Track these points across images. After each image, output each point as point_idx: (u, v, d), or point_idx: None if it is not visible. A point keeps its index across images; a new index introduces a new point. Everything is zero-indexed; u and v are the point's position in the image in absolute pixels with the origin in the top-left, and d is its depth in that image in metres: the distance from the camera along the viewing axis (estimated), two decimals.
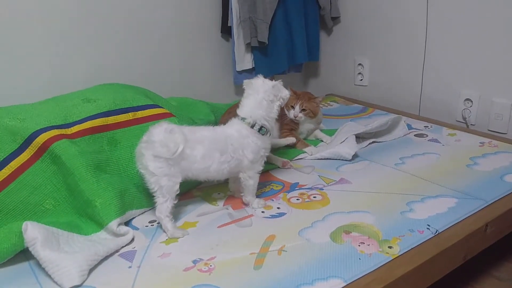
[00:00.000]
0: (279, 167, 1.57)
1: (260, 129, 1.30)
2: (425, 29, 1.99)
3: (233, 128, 1.30)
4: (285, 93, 1.33)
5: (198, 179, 1.30)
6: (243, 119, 1.30)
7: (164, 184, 1.20)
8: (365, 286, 1.01)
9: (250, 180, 1.31)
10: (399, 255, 1.10)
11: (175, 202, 1.23)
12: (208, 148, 1.24)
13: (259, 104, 1.30)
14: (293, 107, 1.70)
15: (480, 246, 1.28)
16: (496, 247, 1.36)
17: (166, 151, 1.17)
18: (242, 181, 1.32)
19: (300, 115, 1.70)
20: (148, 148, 1.19)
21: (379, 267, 1.06)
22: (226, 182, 1.49)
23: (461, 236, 1.19)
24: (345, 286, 1.00)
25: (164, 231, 1.22)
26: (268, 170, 1.53)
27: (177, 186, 1.22)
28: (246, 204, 1.34)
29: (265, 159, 1.35)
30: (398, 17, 2.08)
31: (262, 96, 1.30)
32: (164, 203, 1.21)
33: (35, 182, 1.25)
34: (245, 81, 1.35)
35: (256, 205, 1.32)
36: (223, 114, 1.78)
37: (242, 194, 1.34)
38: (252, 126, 1.29)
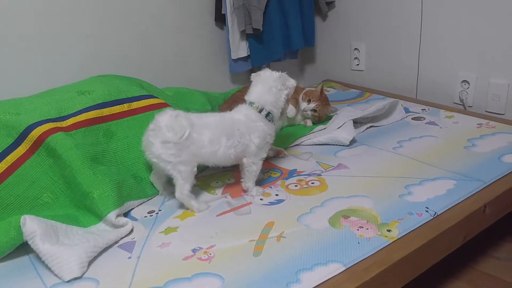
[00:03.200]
0: (274, 157, 1.57)
1: (267, 115, 1.32)
2: (420, 11, 1.97)
3: (241, 113, 1.33)
4: (292, 82, 1.37)
5: (207, 164, 1.33)
6: (251, 103, 1.33)
7: (182, 169, 1.23)
8: (365, 270, 1.01)
9: (254, 166, 1.32)
10: (398, 238, 1.10)
11: (194, 182, 1.26)
12: (215, 133, 1.26)
13: (268, 91, 1.33)
14: (309, 102, 1.74)
15: (479, 227, 1.28)
16: (495, 228, 1.36)
17: (173, 135, 1.19)
18: (245, 167, 1.33)
19: (309, 112, 1.74)
20: (155, 136, 1.21)
21: (378, 251, 1.07)
22: (224, 170, 1.49)
23: (460, 217, 1.19)
24: (344, 270, 1.01)
25: (188, 209, 1.26)
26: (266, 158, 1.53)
27: (195, 169, 1.26)
28: (245, 191, 1.34)
29: (270, 146, 1.37)
30: (393, 0, 2.06)
31: (271, 84, 1.33)
32: (184, 185, 1.24)
33: (32, 175, 1.25)
34: (253, 74, 1.39)
35: (255, 192, 1.33)
36: (221, 104, 1.77)
37: (242, 180, 1.35)
38: (260, 111, 1.32)
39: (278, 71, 1.36)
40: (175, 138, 1.19)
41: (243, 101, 1.67)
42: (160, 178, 1.35)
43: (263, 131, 1.31)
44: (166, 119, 1.21)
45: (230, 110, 1.57)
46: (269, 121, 1.33)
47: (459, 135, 1.63)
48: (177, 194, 1.25)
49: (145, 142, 1.26)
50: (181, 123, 1.20)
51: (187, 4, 1.99)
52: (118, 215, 1.20)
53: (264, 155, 1.35)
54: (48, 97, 1.39)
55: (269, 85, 1.33)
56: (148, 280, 1.01)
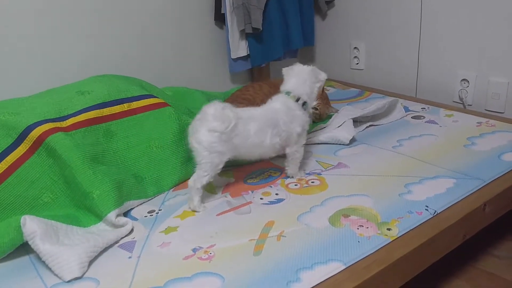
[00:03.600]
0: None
1: (303, 104, 1.37)
2: (420, 10, 1.97)
3: (279, 102, 1.36)
4: (323, 75, 1.43)
5: (249, 156, 1.36)
6: (287, 93, 1.37)
7: (213, 161, 1.25)
8: (365, 269, 1.01)
9: (297, 153, 1.38)
10: (398, 237, 1.10)
11: (211, 180, 1.28)
12: (261, 124, 1.30)
13: (303, 82, 1.38)
14: None
15: (479, 225, 1.28)
16: (495, 226, 1.36)
17: (220, 125, 1.22)
18: (289, 156, 1.38)
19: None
20: (202, 124, 1.24)
21: (378, 249, 1.07)
22: (224, 170, 1.49)
23: (460, 216, 1.19)
24: (344, 269, 1.01)
25: (188, 202, 1.28)
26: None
27: (222, 165, 1.28)
28: (291, 177, 1.41)
29: (306, 133, 1.42)
30: None
31: (305, 77, 1.39)
32: (203, 177, 1.25)
33: (32, 176, 1.25)
34: (284, 69, 1.44)
35: (300, 175, 1.40)
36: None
37: (286, 168, 1.40)
38: (297, 101, 1.36)
39: (309, 65, 1.42)
40: (221, 127, 1.22)
41: (243, 99, 1.68)
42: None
43: (302, 119, 1.36)
44: (213, 109, 1.24)
45: None
46: (305, 110, 1.37)
47: (459, 133, 1.63)
48: (190, 181, 1.26)
49: (191, 130, 1.28)
50: (228, 114, 1.24)
51: (187, 3, 1.99)
52: (118, 215, 1.20)
53: (304, 141, 1.40)
54: (47, 97, 1.39)
55: (303, 78, 1.38)
56: (148, 280, 1.01)
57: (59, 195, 1.26)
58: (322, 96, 1.75)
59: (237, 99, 1.71)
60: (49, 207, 1.24)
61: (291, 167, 1.40)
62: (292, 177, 1.41)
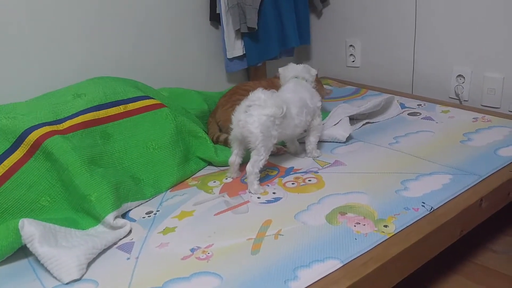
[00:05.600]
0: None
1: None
2: (415, 7, 1.98)
3: (296, 85, 1.50)
4: (314, 71, 1.60)
5: (289, 137, 1.48)
6: (296, 78, 1.53)
7: (267, 145, 1.32)
8: (362, 266, 1.02)
9: (321, 125, 1.52)
10: (395, 234, 1.11)
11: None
12: (297, 106, 1.41)
13: (301, 72, 1.56)
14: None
15: (475, 220, 1.29)
16: (492, 221, 1.37)
17: (276, 110, 1.30)
18: (314, 129, 1.49)
19: None
20: (258, 110, 1.29)
21: (375, 246, 1.07)
22: (221, 170, 1.50)
23: (456, 212, 1.20)
24: (342, 266, 1.01)
25: (249, 187, 1.33)
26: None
27: (273, 146, 1.36)
28: (310, 156, 1.51)
29: None
30: None
31: (300, 73, 1.55)
32: (260, 161, 1.32)
33: (30, 179, 1.25)
34: (280, 68, 1.61)
35: (317, 153, 1.51)
36: (220, 98, 1.77)
37: (307, 145, 1.51)
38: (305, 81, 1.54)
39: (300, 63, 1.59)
40: (277, 112, 1.30)
41: (243, 91, 1.73)
42: (239, 158, 1.41)
43: (317, 94, 1.52)
44: (264, 96, 1.30)
45: (229, 102, 1.63)
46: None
47: (455, 129, 1.63)
48: (249, 167, 1.31)
49: (238, 117, 1.32)
50: (280, 99, 1.33)
51: (182, 4, 1.99)
52: (116, 217, 1.21)
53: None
54: (44, 100, 1.40)
55: (299, 70, 1.56)
56: (147, 281, 1.01)
57: (57, 198, 1.26)
58: (317, 79, 1.76)
59: (238, 91, 1.72)
60: (47, 210, 1.24)
61: (312, 142, 1.50)
62: (310, 156, 1.50)
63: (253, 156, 1.32)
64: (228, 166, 1.43)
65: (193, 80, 2.06)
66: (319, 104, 1.51)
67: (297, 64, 1.61)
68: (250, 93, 1.68)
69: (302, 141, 1.55)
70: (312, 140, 1.50)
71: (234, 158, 1.40)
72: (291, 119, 1.38)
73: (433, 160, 1.43)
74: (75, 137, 1.33)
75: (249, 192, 1.33)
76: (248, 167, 1.32)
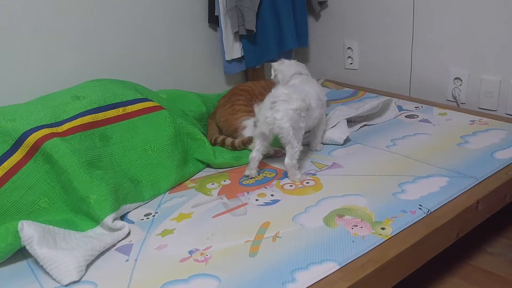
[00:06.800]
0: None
1: None
2: (412, 9, 1.99)
3: (304, 80, 1.54)
4: (304, 66, 1.67)
5: (308, 129, 1.52)
6: (300, 74, 1.57)
7: (298, 136, 1.37)
8: (360, 268, 1.03)
9: (324, 120, 1.58)
10: (392, 236, 1.12)
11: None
12: (315, 98, 1.47)
13: (301, 68, 1.61)
14: None
15: (472, 223, 1.29)
16: (488, 223, 1.37)
17: (302, 103, 1.34)
18: (321, 121, 1.55)
19: None
20: (285, 105, 1.33)
21: (372, 249, 1.08)
22: (219, 172, 1.50)
23: (453, 214, 1.20)
24: (339, 268, 1.02)
25: (291, 177, 1.39)
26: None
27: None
28: (315, 150, 1.58)
29: None
30: None
31: (295, 64, 1.62)
32: (296, 152, 1.36)
33: (29, 182, 1.26)
34: (274, 63, 1.63)
35: (320, 148, 1.58)
36: (220, 99, 1.78)
37: (313, 139, 1.57)
38: None
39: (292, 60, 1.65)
40: (304, 105, 1.35)
41: (242, 91, 1.74)
42: (260, 154, 1.43)
43: (324, 89, 1.60)
44: (288, 90, 1.36)
45: (229, 102, 1.64)
46: None
47: (452, 132, 1.64)
48: (287, 160, 1.36)
49: (265, 114, 1.34)
50: (303, 93, 1.39)
51: (181, 6, 2.00)
52: (115, 219, 1.21)
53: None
54: (43, 102, 1.40)
55: (300, 69, 1.60)
56: (145, 282, 1.02)
57: (56, 200, 1.27)
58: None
59: (237, 92, 1.73)
60: (46, 212, 1.25)
61: (318, 136, 1.56)
62: (315, 149, 1.57)
63: (288, 150, 1.36)
64: (226, 168, 1.44)
65: (192, 82, 2.07)
66: (326, 97, 1.58)
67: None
68: (249, 93, 1.72)
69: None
70: (318, 134, 1.56)
71: (255, 154, 1.42)
72: (312, 111, 1.44)
73: (430, 162, 1.43)
74: (74, 139, 1.33)
75: (293, 181, 1.38)
76: (286, 160, 1.37)
